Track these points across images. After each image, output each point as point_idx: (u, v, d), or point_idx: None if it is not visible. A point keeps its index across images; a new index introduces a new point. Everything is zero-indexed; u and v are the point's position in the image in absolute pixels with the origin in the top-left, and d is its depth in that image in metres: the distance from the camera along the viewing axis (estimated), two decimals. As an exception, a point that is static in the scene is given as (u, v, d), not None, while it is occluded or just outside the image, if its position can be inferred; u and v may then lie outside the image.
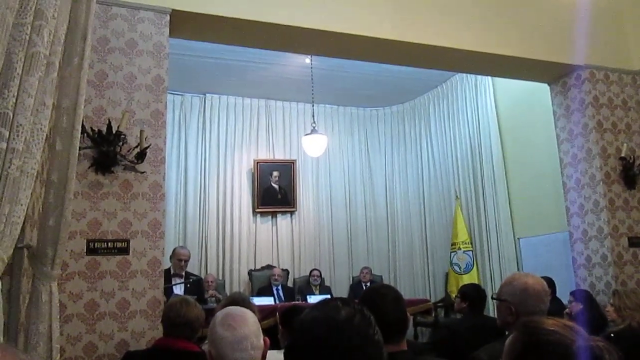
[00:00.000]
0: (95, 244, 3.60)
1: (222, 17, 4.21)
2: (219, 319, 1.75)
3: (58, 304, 2.28)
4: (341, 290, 8.43)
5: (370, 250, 9.02)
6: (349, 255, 8.88)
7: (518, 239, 7.17)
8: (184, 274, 5.59)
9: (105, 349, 3.50)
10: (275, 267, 7.91)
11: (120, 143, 3.72)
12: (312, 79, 7.50)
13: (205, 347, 2.65)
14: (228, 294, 6.59)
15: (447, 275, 8.17)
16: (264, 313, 4.77)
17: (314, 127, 7.50)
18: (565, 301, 4.86)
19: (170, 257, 5.61)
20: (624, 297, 3.60)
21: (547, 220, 6.58)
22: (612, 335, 3.35)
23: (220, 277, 7.91)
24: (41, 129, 1.79)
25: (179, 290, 5.35)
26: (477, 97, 7.94)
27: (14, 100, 1.59)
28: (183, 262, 5.54)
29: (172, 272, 5.43)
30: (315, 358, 1.06)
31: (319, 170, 8.93)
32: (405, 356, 1.88)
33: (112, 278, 3.61)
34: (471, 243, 7.80)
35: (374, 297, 1.94)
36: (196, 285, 5.69)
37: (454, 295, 6.71)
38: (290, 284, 8.06)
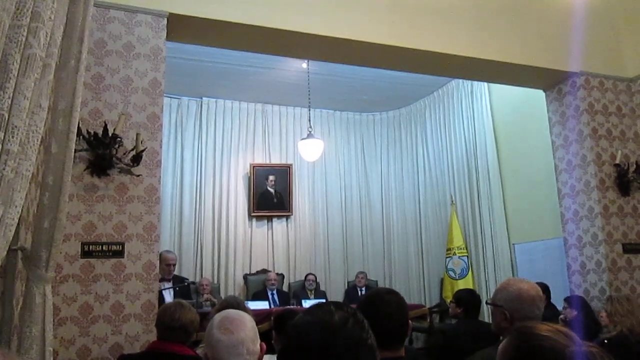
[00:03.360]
0: (90, 247, 3.59)
1: (219, 21, 4.22)
2: (216, 322, 1.74)
3: (52, 307, 2.27)
4: (336, 294, 8.43)
5: (365, 255, 9.03)
6: (345, 260, 8.88)
7: (513, 244, 7.19)
8: (171, 278, 5.55)
9: (99, 353, 3.48)
10: (270, 271, 7.90)
11: (116, 146, 3.71)
12: (308, 83, 7.52)
13: (200, 350, 2.64)
14: (223, 297, 6.57)
15: (442, 280, 8.18)
16: (259, 317, 4.77)
17: (310, 132, 7.52)
18: (560, 307, 4.87)
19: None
20: (616, 303, 3.62)
21: (542, 226, 6.59)
22: (605, 341, 3.36)
23: (216, 281, 7.89)
24: (37, 130, 1.79)
25: (168, 295, 5.30)
26: (472, 103, 7.97)
27: (10, 102, 1.58)
28: (171, 266, 5.50)
29: (159, 277, 5.38)
30: (309, 362, 1.06)
31: (314, 174, 8.93)
32: (402, 362, 1.88)
33: (106, 281, 3.59)
34: (466, 248, 7.81)
35: (378, 302, 1.93)
36: (185, 291, 5.65)
37: (449, 301, 6.72)
38: (285, 288, 8.05)
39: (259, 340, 1.76)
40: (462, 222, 7.99)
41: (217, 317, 1.78)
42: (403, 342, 1.93)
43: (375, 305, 1.91)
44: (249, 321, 1.78)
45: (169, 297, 5.22)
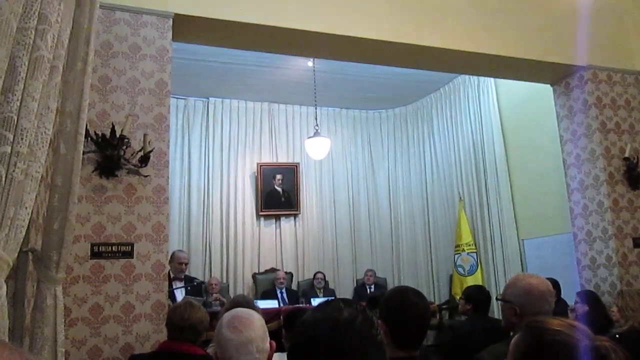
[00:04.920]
0: (100, 248, 3.61)
1: (225, 20, 4.22)
2: (225, 321, 1.74)
3: (63, 308, 2.28)
4: (345, 292, 8.42)
5: (374, 253, 9.02)
6: (353, 258, 8.88)
7: (522, 240, 7.15)
8: (183, 277, 5.59)
9: (110, 353, 3.50)
10: (279, 270, 7.91)
11: (124, 147, 3.72)
12: (314, 82, 7.52)
13: (210, 349, 2.65)
14: (232, 297, 6.59)
15: (451, 277, 8.15)
16: (268, 316, 4.77)
17: (317, 130, 7.51)
18: (570, 302, 4.84)
19: (170, 262, 5.60)
20: (627, 298, 3.59)
21: (551, 221, 6.56)
22: (616, 336, 3.34)
23: (224, 281, 7.91)
24: (45, 132, 1.80)
25: (180, 294, 5.34)
26: (479, 99, 7.93)
27: (18, 104, 1.59)
28: (183, 265, 5.54)
29: (171, 275, 5.44)
30: (318, 359, 1.06)
31: (322, 173, 8.93)
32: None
33: (116, 282, 3.61)
34: (475, 245, 7.78)
35: (405, 302, 1.93)
36: (197, 289, 5.69)
37: (458, 297, 6.70)
38: (294, 286, 8.06)
39: (268, 339, 1.77)
40: (470, 218, 7.96)
41: (226, 316, 1.78)
42: (419, 344, 1.93)
43: (402, 304, 1.91)
44: (257, 319, 1.78)
45: (180, 296, 5.25)
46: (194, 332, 2.55)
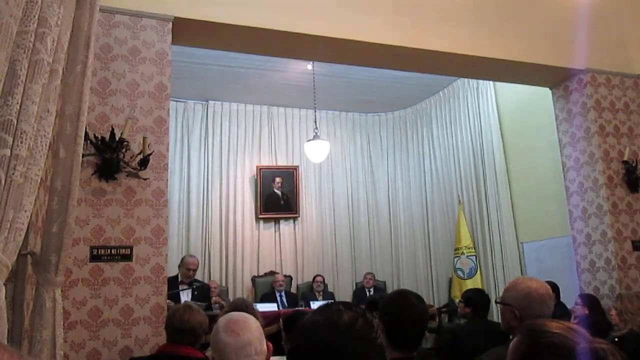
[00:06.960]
0: (99, 251, 3.61)
1: (225, 24, 4.23)
2: (221, 325, 1.75)
3: (62, 311, 2.28)
4: (344, 296, 8.41)
5: (373, 256, 9.01)
6: (352, 261, 8.87)
7: (521, 243, 7.15)
8: (190, 282, 5.60)
9: (109, 356, 3.50)
10: (278, 273, 7.90)
11: (124, 150, 3.72)
12: (314, 85, 7.52)
13: (209, 352, 2.64)
14: (231, 300, 6.58)
15: (450, 280, 8.15)
16: (267, 319, 4.77)
17: (316, 133, 7.52)
18: (569, 306, 4.84)
19: (179, 266, 5.61)
20: (626, 301, 3.59)
21: (550, 224, 6.56)
22: (616, 339, 3.34)
23: (224, 284, 7.90)
24: (45, 135, 1.80)
25: (185, 296, 5.35)
26: (479, 102, 7.94)
27: (18, 107, 1.59)
28: (192, 271, 5.55)
29: (179, 279, 5.46)
30: (318, 362, 1.07)
31: (321, 176, 8.93)
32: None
33: (115, 285, 3.61)
34: (474, 248, 7.78)
35: (404, 304, 1.96)
36: (203, 291, 5.69)
37: (457, 300, 6.70)
38: (293, 290, 8.04)
39: (265, 340, 1.77)
40: (469, 221, 7.96)
41: (222, 320, 1.79)
42: (417, 346, 1.94)
43: (402, 306, 1.94)
44: (253, 322, 1.79)
45: (185, 299, 5.26)
46: (193, 335, 2.55)
